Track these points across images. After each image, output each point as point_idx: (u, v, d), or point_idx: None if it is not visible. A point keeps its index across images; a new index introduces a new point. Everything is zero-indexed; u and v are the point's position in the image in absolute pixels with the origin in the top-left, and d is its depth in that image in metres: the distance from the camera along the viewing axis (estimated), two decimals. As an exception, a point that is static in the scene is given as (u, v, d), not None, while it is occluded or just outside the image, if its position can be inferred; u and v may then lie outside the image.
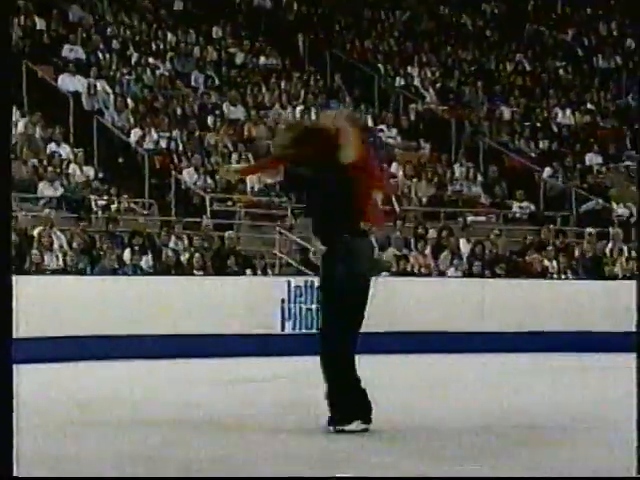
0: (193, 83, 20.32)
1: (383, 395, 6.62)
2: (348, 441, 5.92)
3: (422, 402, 8.24)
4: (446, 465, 5.18)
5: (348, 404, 6.28)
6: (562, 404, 7.99)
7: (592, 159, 21.12)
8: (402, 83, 22.14)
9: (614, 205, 19.47)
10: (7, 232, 2.95)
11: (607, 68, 24.93)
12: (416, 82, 22.28)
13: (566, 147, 21.45)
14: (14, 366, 3.09)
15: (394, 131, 20.61)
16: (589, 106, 23.04)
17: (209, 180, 17.52)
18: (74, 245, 14.68)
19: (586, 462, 5.10)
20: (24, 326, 11.58)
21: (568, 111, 22.59)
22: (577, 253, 17.44)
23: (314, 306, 13.59)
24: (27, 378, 8.18)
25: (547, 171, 20.13)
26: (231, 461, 5.34)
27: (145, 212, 16.80)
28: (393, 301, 13.80)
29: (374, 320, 13.56)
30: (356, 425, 6.21)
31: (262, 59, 21.68)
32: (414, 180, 19.07)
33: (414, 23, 24.77)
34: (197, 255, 15.01)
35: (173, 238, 15.50)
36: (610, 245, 17.50)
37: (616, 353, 9.89)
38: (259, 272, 15.26)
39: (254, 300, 13.63)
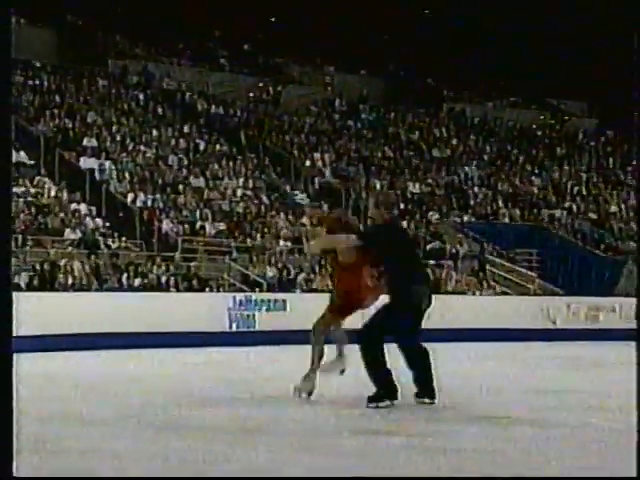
0: (170, 162, 20.04)
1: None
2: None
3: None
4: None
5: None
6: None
7: (431, 215, 21.14)
8: (309, 163, 22.07)
9: (447, 245, 19.47)
10: (7, 229, 2.34)
11: (441, 157, 25.16)
12: (318, 163, 22.24)
13: (415, 208, 21.48)
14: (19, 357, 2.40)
15: (304, 195, 20.52)
16: (429, 181, 23.15)
17: (180, 227, 17.25)
18: (88, 271, 14.17)
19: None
20: (55, 325, 11.06)
21: (417, 184, 22.66)
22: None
23: (251, 312, 13.46)
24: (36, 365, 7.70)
25: (404, 223, 20.07)
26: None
27: (137, 249, 16.37)
28: (304, 309, 13.61)
29: (292, 322, 13.43)
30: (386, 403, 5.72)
31: (217, 147, 21.56)
32: (318, 229, 18.86)
33: (317, 125, 24.89)
34: (172, 278, 14.65)
35: (155, 267, 15.08)
36: (445, 272, 17.45)
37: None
38: (214, 290, 14.92)
39: (211, 309, 13.33)
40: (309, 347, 11.47)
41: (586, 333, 15.37)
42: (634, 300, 17.64)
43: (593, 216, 23.59)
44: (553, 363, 10.16)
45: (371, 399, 5.80)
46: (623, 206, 24.87)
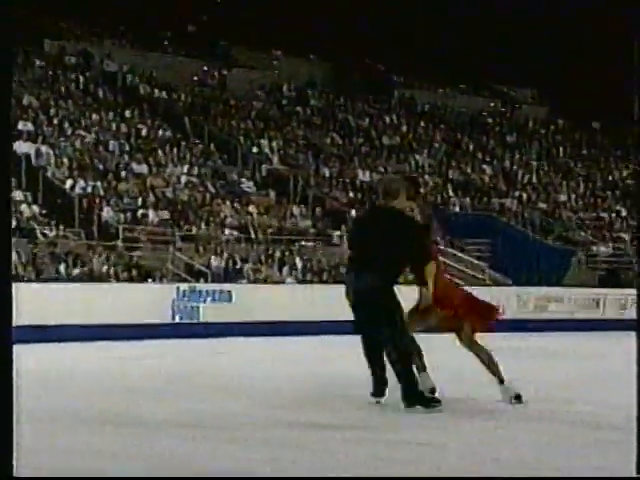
0: (110, 148, 19.73)
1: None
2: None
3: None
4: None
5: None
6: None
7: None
8: (257, 150, 21.98)
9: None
10: (7, 225, 2.34)
11: (391, 144, 25.28)
12: (266, 150, 22.16)
13: (365, 196, 21.56)
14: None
15: (251, 183, 20.43)
16: (379, 169, 23.25)
17: (121, 215, 17.01)
18: (24, 261, 13.90)
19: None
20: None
21: (367, 172, 22.74)
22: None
23: (195, 304, 13.39)
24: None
25: (353, 212, 20.16)
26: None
27: (76, 238, 16.10)
28: (252, 300, 13.69)
29: (238, 314, 13.42)
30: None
31: (160, 132, 21.31)
32: (265, 217, 18.87)
33: (264, 110, 24.78)
34: (113, 268, 14.45)
35: (96, 256, 14.86)
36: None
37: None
38: (157, 280, 14.78)
39: (154, 300, 13.18)
40: (256, 339, 11.42)
41: (535, 324, 15.66)
42: (583, 290, 18.05)
43: (543, 205, 24.01)
44: (503, 354, 10.31)
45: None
46: (573, 195, 25.38)
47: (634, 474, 2.55)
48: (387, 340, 5.58)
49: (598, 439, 4.43)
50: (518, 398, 5.67)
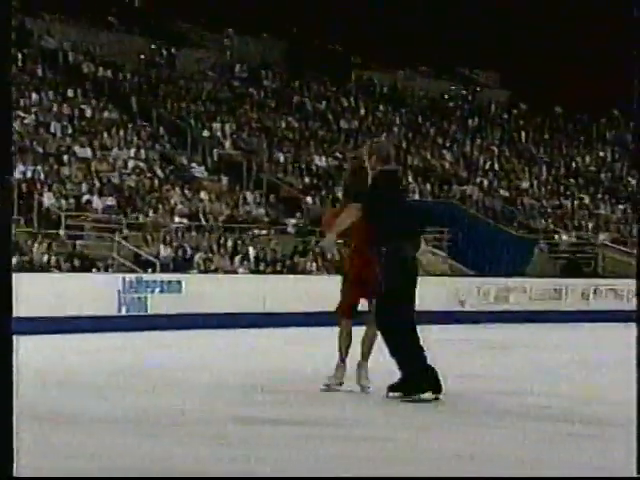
0: (52, 130, 19.44)
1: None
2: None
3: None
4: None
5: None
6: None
7: (338, 191, 21.30)
8: (208, 134, 21.85)
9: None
10: (7, 219, 2.32)
11: (349, 128, 25.34)
12: (218, 133, 22.05)
13: (321, 182, 21.60)
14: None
15: (202, 168, 20.32)
16: (336, 154, 23.29)
17: (64, 202, 16.77)
18: (-42, 250, 13.63)
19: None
20: None
21: (323, 157, 22.77)
22: (329, 257, 17.46)
23: (143, 295, 13.30)
24: None
25: (309, 199, 20.22)
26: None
27: (14, 225, 15.83)
28: (203, 292, 13.65)
29: (188, 305, 13.37)
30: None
31: (105, 113, 21.05)
32: (216, 204, 18.79)
33: (216, 92, 24.66)
34: (55, 258, 14.27)
35: (36, 245, 14.65)
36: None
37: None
38: (102, 270, 14.64)
39: (99, 291, 13.06)
40: (207, 332, 11.40)
41: (496, 315, 15.87)
42: (545, 281, 18.33)
43: (504, 193, 24.29)
44: (463, 346, 10.45)
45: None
46: (535, 182, 25.72)
47: (634, 474, 2.57)
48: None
49: (571, 433, 4.50)
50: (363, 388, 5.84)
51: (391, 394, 5.57)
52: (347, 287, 5.99)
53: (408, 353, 5.52)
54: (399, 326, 5.59)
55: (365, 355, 5.90)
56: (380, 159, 5.81)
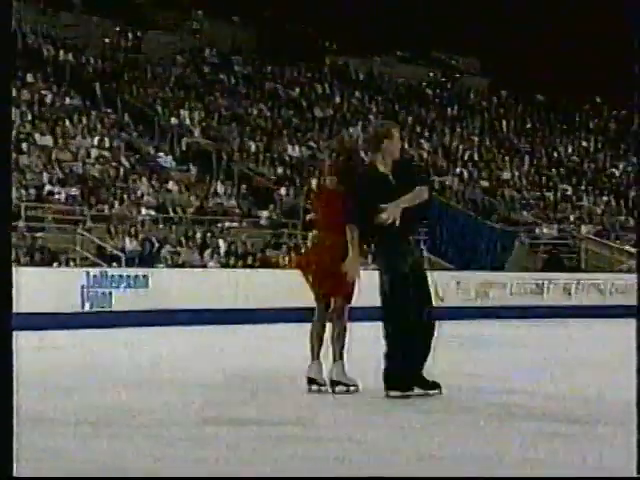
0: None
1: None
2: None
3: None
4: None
5: None
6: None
7: (312, 182, 21.30)
8: (176, 122, 21.77)
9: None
10: (7, 210, 2.36)
11: (323, 116, 25.34)
12: (186, 121, 21.97)
13: (295, 173, 21.59)
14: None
15: (170, 158, 20.24)
16: (310, 143, 23.29)
17: (23, 192, 16.63)
18: None
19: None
20: None
21: (297, 147, 22.76)
22: (303, 250, 17.49)
23: (107, 290, 13.23)
24: None
25: (282, 190, 20.20)
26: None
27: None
28: (170, 287, 13.62)
29: (154, 301, 13.32)
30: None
31: (67, 100, 20.90)
32: (185, 195, 18.73)
33: (184, 77, 24.58)
34: (13, 251, 14.13)
35: (-6, 237, 14.48)
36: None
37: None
38: (64, 264, 14.54)
39: (61, 286, 12.97)
40: (175, 329, 11.34)
41: (476, 310, 15.97)
42: (526, 275, 18.46)
43: (485, 183, 24.42)
44: (444, 343, 10.51)
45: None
46: (516, 173, 25.88)
47: (634, 474, 2.62)
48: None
49: (557, 433, 4.54)
50: (339, 385, 5.80)
51: (392, 393, 5.57)
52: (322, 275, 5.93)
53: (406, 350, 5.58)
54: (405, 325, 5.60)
55: (340, 354, 5.89)
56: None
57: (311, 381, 5.90)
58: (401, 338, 5.60)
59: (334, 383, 5.86)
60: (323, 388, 5.89)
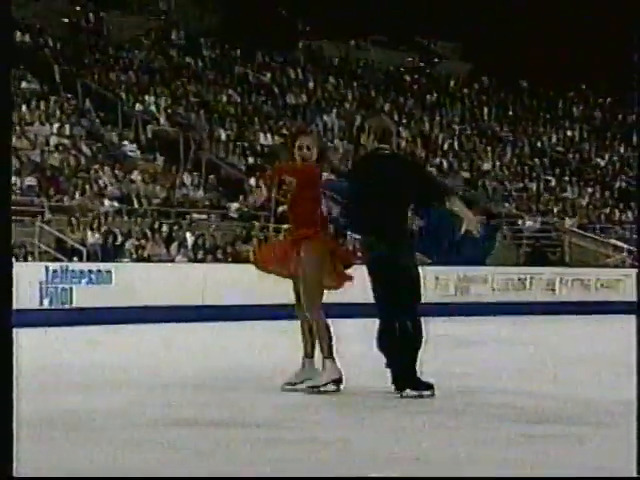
0: (-35, 102, 19.02)
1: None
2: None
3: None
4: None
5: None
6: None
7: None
8: (141, 108, 21.68)
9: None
10: (7, 204, 2.37)
11: (296, 103, 25.35)
12: (152, 108, 21.89)
13: (266, 162, 21.56)
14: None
15: (134, 146, 20.17)
16: (283, 131, 23.28)
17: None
18: None
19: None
20: None
21: (268, 135, 22.75)
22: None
23: (68, 286, 13.17)
24: None
25: (253, 180, 20.15)
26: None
27: None
28: (135, 282, 13.56)
29: (118, 297, 13.26)
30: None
31: (24, 84, 20.72)
32: (151, 185, 18.67)
33: (149, 61, 24.47)
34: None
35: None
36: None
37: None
38: (22, 259, 14.43)
39: (17, 281, 12.79)
40: (140, 327, 11.25)
41: (455, 307, 16.06)
42: (508, 270, 18.59)
43: (465, 174, 24.56)
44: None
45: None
46: (498, 163, 26.05)
47: (634, 474, 2.68)
48: None
49: (545, 434, 4.58)
50: (337, 382, 5.82)
51: (405, 393, 5.68)
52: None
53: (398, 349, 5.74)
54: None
55: (328, 350, 5.86)
56: (377, 138, 5.88)
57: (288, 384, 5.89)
58: (403, 337, 5.79)
59: (338, 381, 5.86)
60: (298, 387, 5.89)
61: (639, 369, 2.51)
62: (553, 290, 18.02)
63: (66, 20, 24.89)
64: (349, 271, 6.01)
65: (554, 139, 28.81)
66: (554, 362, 8.41)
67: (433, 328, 13.89)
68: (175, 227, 16.78)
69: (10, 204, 2.42)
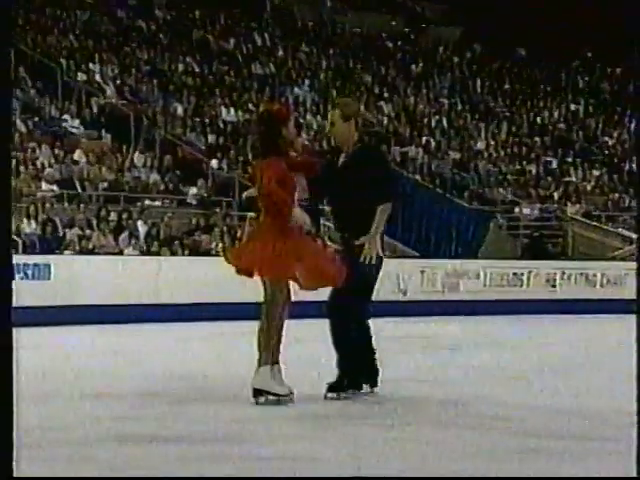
0: None
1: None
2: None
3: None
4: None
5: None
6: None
7: (249, 152, 21.31)
8: (84, 78, 21.60)
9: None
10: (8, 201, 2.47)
11: (264, 74, 25.32)
12: (97, 78, 21.81)
13: (230, 141, 21.58)
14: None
15: (77, 122, 20.10)
16: (249, 105, 23.26)
17: None
18: None
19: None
20: None
21: (232, 110, 22.74)
22: (239, 233, 17.49)
23: None
24: None
25: (214, 162, 20.21)
26: None
27: None
28: (76, 276, 13.53)
29: (58, 294, 13.22)
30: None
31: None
32: (96, 167, 18.62)
33: (94, 24, 24.35)
34: None
35: None
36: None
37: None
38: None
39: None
40: (82, 328, 11.21)
41: (443, 306, 16.15)
42: (502, 263, 18.70)
43: (455, 155, 24.67)
44: (406, 344, 10.63)
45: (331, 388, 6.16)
46: (492, 142, 26.18)
47: (634, 474, 2.86)
48: None
49: (538, 449, 4.64)
50: (261, 394, 5.88)
51: (330, 394, 6.03)
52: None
53: (356, 348, 6.14)
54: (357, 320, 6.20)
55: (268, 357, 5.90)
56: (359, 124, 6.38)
57: (258, 392, 5.89)
58: (365, 339, 6.20)
59: (257, 392, 5.90)
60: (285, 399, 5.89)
61: (639, 372, 2.65)
62: (554, 286, 18.17)
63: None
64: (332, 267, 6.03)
65: (556, 115, 28.98)
66: (552, 368, 8.49)
67: (418, 328, 13.96)
68: (125, 215, 16.76)
69: (10, 204, 2.56)
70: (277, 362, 5.92)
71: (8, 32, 2.48)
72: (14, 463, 2.56)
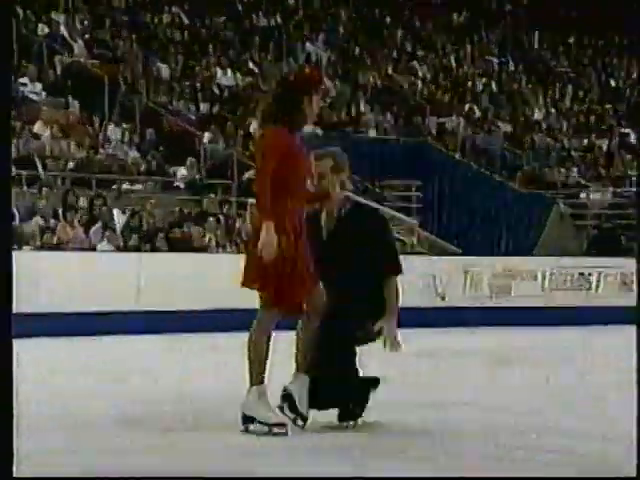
0: None
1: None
2: None
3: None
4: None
5: None
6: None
7: (254, 124, 21.36)
8: (46, 31, 21.60)
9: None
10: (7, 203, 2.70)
11: (267, 26, 25.32)
12: (62, 31, 21.80)
13: (227, 110, 21.60)
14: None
15: (38, 86, 20.11)
16: (251, 66, 23.30)
17: None
18: None
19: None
20: None
21: (229, 71, 22.76)
22: (238, 225, 17.57)
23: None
24: None
25: (207, 136, 20.17)
26: None
27: None
28: (37, 278, 13.56)
29: (20, 297, 13.30)
30: None
31: None
32: (62, 142, 18.66)
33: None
34: None
35: None
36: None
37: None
38: None
39: None
40: (46, 340, 11.30)
41: (492, 313, 16.19)
42: (564, 262, 18.68)
43: (506, 127, 24.66)
44: (445, 359, 10.66)
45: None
46: (553, 111, 26.15)
47: (634, 474, 3.17)
48: None
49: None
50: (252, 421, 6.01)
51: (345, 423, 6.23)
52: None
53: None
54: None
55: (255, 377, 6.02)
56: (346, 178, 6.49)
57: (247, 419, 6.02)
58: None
59: (247, 419, 6.01)
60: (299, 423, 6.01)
61: (639, 372, 2.78)
62: (629, 289, 18.12)
63: None
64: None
65: (635, 76, 28.83)
66: (621, 390, 8.56)
67: (461, 341, 13.98)
68: (97, 202, 16.77)
69: (10, 204, 2.86)
70: (262, 382, 6.01)
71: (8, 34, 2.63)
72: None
